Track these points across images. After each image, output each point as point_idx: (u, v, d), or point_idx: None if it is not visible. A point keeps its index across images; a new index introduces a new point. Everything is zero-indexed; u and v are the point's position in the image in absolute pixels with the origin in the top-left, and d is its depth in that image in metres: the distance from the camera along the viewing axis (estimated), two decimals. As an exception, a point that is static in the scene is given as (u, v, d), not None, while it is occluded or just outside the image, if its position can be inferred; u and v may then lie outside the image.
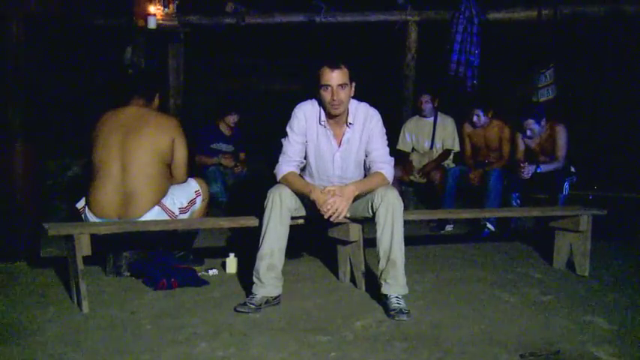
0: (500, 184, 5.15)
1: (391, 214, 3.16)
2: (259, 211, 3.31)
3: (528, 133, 5.12)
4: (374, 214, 3.23)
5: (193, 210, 3.81)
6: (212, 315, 3.05)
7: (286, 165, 3.38)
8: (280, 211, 3.21)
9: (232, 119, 5.97)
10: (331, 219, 3.21)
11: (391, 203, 3.17)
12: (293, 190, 3.30)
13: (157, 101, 3.86)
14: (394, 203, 3.18)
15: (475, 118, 5.51)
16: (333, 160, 3.44)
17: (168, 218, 3.62)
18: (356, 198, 3.27)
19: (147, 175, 3.57)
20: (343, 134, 3.42)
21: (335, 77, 3.25)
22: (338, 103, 3.28)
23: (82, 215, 3.66)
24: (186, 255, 3.92)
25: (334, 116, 3.37)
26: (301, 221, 3.47)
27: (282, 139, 3.44)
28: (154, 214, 3.58)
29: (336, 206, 3.18)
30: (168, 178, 3.70)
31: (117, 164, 3.55)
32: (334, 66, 3.26)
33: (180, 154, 3.71)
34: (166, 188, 3.67)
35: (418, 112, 5.93)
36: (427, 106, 5.79)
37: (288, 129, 3.43)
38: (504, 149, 5.48)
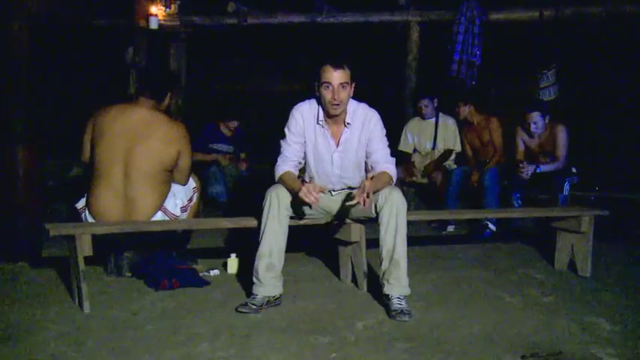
0: (497, 182, 5.13)
1: (395, 214, 3.16)
2: (259, 212, 3.31)
3: (532, 127, 5.05)
4: (377, 213, 3.23)
5: (191, 206, 3.83)
6: (213, 315, 3.05)
7: (284, 165, 3.37)
8: (278, 211, 3.21)
9: (232, 124, 6.01)
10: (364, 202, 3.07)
11: (395, 203, 3.17)
12: (287, 189, 3.28)
13: (167, 101, 3.77)
14: (398, 203, 3.17)
15: (456, 109, 5.53)
16: (332, 160, 3.43)
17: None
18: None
19: (149, 183, 3.55)
20: (341, 134, 3.41)
21: (337, 76, 3.24)
22: (338, 102, 3.27)
23: (82, 215, 3.64)
24: (188, 255, 3.91)
25: (333, 116, 3.36)
26: (302, 222, 3.47)
27: (281, 141, 3.44)
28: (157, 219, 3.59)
29: (367, 189, 3.05)
30: (170, 181, 3.70)
31: (120, 170, 3.52)
32: (337, 65, 3.25)
33: (185, 162, 3.70)
34: (168, 192, 3.67)
35: (419, 116, 5.92)
36: (427, 110, 5.79)
37: (285, 130, 3.43)
38: (495, 141, 5.45)
